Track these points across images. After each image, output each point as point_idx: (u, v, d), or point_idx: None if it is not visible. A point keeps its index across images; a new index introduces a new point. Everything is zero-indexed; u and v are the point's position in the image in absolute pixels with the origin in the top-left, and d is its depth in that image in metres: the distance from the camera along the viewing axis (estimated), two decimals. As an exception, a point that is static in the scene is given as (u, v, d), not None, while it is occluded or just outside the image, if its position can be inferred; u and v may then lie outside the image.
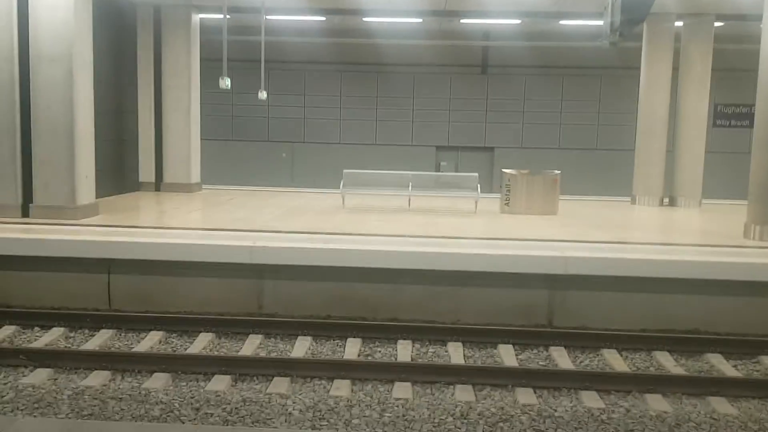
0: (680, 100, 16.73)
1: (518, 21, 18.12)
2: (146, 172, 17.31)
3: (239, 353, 7.74)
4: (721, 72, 18.19)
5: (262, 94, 17.60)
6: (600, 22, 10.75)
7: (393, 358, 7.71)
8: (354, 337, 8.23)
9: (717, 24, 16.35)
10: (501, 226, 12.56)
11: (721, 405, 6.55)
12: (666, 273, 9.09)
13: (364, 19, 18.26)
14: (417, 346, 8.14)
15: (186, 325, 8.50)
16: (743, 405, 6.64)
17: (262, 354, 7.76)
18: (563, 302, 9.27)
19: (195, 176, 17.66)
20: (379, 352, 7.92)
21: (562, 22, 17.93)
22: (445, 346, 8.16)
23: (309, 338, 8.17)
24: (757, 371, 7.63)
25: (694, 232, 12.69)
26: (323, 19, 18.65)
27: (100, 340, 8.10)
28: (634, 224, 13.72)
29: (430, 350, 8.03)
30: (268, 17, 17.45)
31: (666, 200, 17.03)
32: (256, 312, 9.32)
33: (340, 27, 20.21)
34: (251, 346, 7.93)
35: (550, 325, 9.23)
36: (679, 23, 16.42)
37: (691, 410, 6.38)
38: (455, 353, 7.88)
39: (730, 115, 22.64)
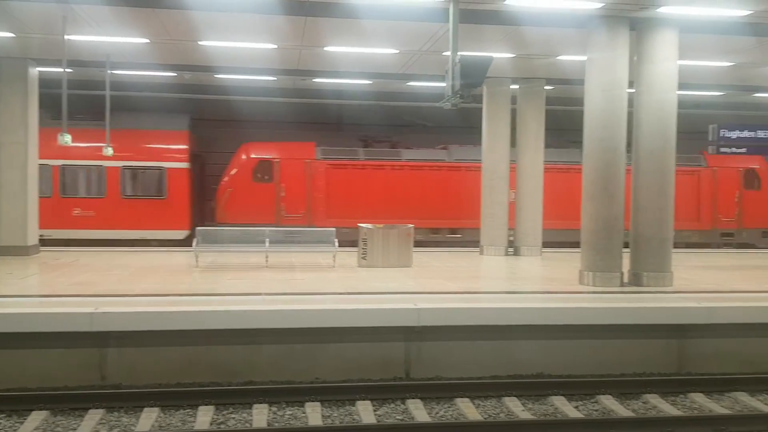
0: (519, 156, 18.02)
1: (369, 81, 18.79)
2: (-26, 235, 15.81)
3: (77, 432, 7.13)
4: (555, 131, 19.87)
5: (107, 151, 16.81)
6: (443, 84, 11.42)
7: (248, 425, 7.43)
8: (206, 404, 7.86)
9: (547, 87, 17.93)
10: (358, 279, 12.68)
11: (564, 446, 6.92)
12: (511, 320, 9.56)
13: (216, 75, 18.14)
14: (274, 409, 7.92)
15: (16, 403, 7.70)
16: (584, 444, 7.06)
17: (103, 431, 7.19)
18: (419, 354, 9.45)
19: (32, 238, 16.38)
20: (233, 418, 7.61)
21: (410, 83, 18.83)
22: (303, 407, 8.00)
23: (156, 409, 7.70)
24: (596, 411, 8.14)
25: (535, 279, 13.51)
26: (174, 74, 18.28)
27: None
28: (482, 274, 14.39)
29: (288, 413, 7.84)
30: (115, 72, 16.85)
31: (511, 250, 18.06)
32: (98, 384, 8.67)
33: (193, 83, 19.89)
34: (90, 422, 7.33)
35: (407, 377, 9.35)
36: (514, 86, 17.81)
37: (537, 453, 6.68)
38: (313, 414, 7.74)
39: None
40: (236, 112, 22.21)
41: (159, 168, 20.17)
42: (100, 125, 18.73)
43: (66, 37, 12.74)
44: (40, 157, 17.39)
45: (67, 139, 13.45)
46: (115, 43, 14.54)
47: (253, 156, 20.93)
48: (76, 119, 19.49)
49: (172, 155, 20.40)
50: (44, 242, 17.29)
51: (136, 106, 20.57)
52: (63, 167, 19.73)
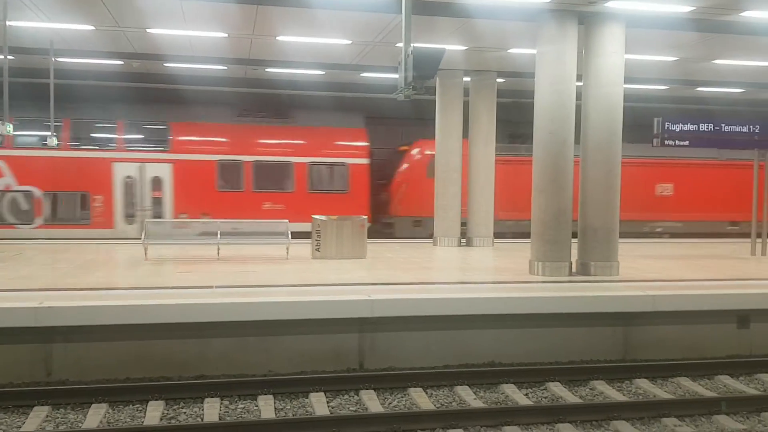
0: (471, 148, 18.19)
1: (322, 72, 18.68)
2: None
3: (20, 430, 6.92)
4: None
5: (52, 140, 16.34)
6: (396, 76, 11.43)
7: (199, 419, 7.35)
8: (156, 399, 7.74)
9: (499, 80, 18.12)
10: (311, 271, 12.63)
11: (514, 433, 7.05)
12: (463, 310, 9.67)
13: (166, 64, 17.76)
14: (226, 403, 7.85)
15: (-44, 402, 7.46)
16: None
17: (49, 428, 7.01)
18: (372, 344, 9.48)
19: (-29, 231, 15.84)
20: (184, 413, 7.51)
21: (364, 74, 18.78)
22: (256, 400, 7.95)
23: (105, 405, 7.54)
24: (545, 398, 8.32)
25: (487, 270, 13.67)
26: (121, 62, 17.82)
27: None
28: (436, 265, 14.47)
29: (240, 406, 7.77)
30: (59, 59, 16.36)
31: (463, 241, 18.25)
32: (44, 380, 8.45)
33: (141, 71, 19.44)
34: (36, 419, 7.13)
35: (361, 368, 9.38)
36: (467, 78, 17.95)
37: (488, 441, 6.79)
38: (266, 407, 7.70)
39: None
40: (394, 111, 22.37)
41: (342, 164, 21.26)
42: (287, 122, 20.64)
43: (7, 23, 12.29)
44: (232, 154, 19.84)
45: (9, 128, 12.97)
46: (60, 30, 14.09)
47: (427, 152, 21.45)
48: (260, 117, 21.04)
49: (354, 152, 21.57)
50: None
51: (310, 105, 21.83)
52: (255, 163, 20.63)
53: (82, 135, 19.96)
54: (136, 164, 19.85)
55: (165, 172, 20.03)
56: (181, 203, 20.08)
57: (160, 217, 19.77)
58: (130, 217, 19.89)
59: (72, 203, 19.62)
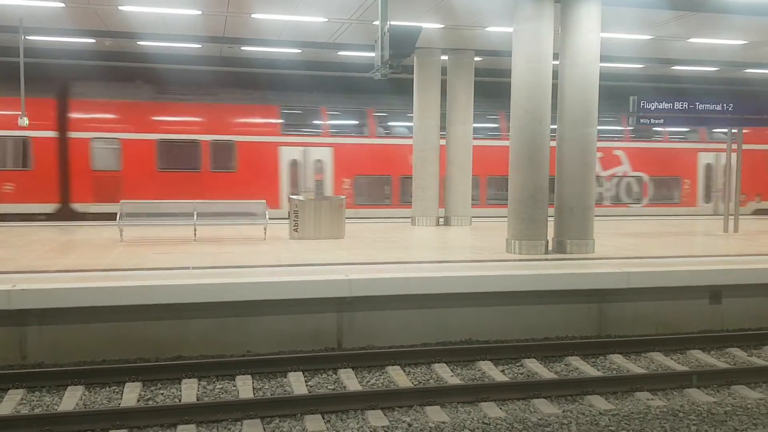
0: (449, 127, 18.17)
1: (299, 50, 18.48)
2: None
3: (-4, 413, 6.87)
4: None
5: (23, 121, 16.02)
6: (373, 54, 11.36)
7: (177, 400, 7.35)
8: (133, 381, 7.72)
9: (477, 59, 18.06)
10: (290, 252, 12.60)
11: (491, 409, 7.14)
12: (441, 288, 9.73)
13: (139, 42, 17.45)
14: (204, 383, 7.85)
15: (-72, 387, 7.38)
16: (510, 407, 7.31)
17: (24, 411, 6.96)
18: (351, 324, 9.52)
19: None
20: (162, 394, 7.50)
21: (341, 53, 18.62)
22: (234, 380, 7.96)
23: (81, 387, 7.50)
24: (521, 374, 8.43)
25: (464, 248, 13.72)
26: (93, 41, 17.48)
27: None
28: (414, 244, 14.51)
29: (218, 387, 7.78)
30: (29, 37, 15.99)
31: (441, 220, 18.30)
32: (18, 363, 8.37)
33: (113, 50, 19.08)
34: (11, 402, 7.08)
35: (340, 347, 9.42)
36: (444, 57, 17.86)
37: (465, 417, 6.87)
38: (244, 387, 7.72)
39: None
40: None
41: None
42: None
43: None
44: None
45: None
46: (28, 7, 13.75)
47: None
48: None
49: None
50: None
51: None
52: None
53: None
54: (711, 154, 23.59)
55: None
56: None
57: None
58: (707, 197, 23.97)
59: (669, 186, 23.60)
